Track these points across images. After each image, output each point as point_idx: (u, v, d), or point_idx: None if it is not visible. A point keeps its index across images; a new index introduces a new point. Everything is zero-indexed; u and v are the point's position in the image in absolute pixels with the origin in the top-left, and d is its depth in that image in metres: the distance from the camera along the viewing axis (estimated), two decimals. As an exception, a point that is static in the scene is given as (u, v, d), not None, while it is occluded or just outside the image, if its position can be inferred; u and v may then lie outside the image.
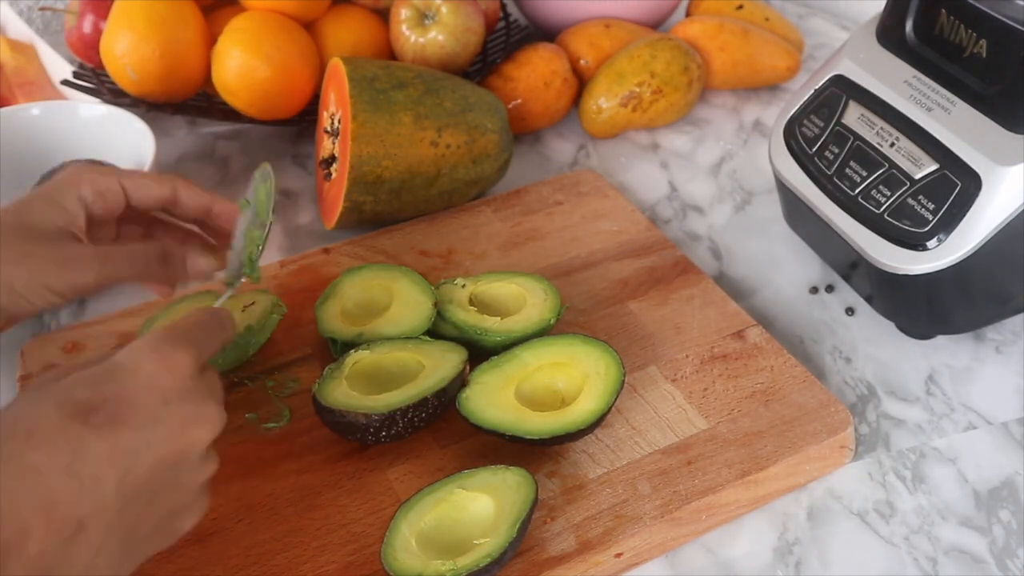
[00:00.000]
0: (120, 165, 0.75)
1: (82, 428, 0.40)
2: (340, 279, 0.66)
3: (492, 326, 0.62)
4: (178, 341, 0.45)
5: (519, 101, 0.86)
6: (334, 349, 0.62)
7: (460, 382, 0.58)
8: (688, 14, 1.01)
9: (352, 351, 0.59)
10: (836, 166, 0.65)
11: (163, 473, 0.42)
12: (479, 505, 0.53)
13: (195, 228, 0.63)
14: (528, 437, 0.55)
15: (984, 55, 0.59)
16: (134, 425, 0.41)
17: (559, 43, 0.93)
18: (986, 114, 0.59)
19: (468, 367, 0.59)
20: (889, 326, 0.69)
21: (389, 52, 0.85)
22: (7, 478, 0.38)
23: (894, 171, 0.62)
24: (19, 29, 0.95)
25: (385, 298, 0.64)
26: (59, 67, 0.89)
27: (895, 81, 0.64)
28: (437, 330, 0.62)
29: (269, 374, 0.63)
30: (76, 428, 0.40)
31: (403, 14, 0.82)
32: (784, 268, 0.74)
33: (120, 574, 0.41)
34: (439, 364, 0.59)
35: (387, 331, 0.61)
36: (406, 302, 0.63)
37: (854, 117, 0.65)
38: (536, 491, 0.53)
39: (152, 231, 0.62)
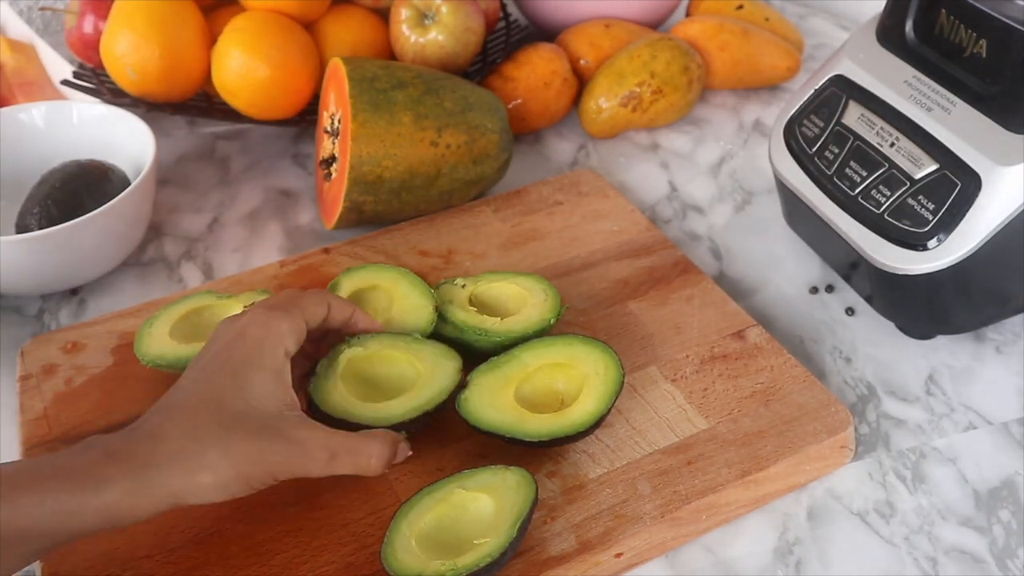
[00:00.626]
0: (120, 165, 0.75)
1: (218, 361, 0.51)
2: (339, 279, 0.66)
3: (492, 326, 0.62)
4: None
5: (519, 101, 0.86)
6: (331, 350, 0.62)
7: (457, 391, 0.58)
8: (688, 14, 1.01)
9: (344, 346, 0.59)
10: (836, 166, 0.65)
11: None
12: (479, 505, 0.53)
13: None
14: (527, 439, 0.55)
15: (984, 55, 0.59)
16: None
17: (559, 43, 0.93)
18: (986, 114, 0.59)
19: (463, 374, 0.58)
20: (889, 326, 0.69)
21: (389, 52, 0.85)
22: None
23: (894, 171, 0.62)
24: (19, 29, 0.95)
25: (384, 301, 0.64)
26: (59, 67, 0.89)
27: (895, 81, 0.64)
28: (438, 330, 0.62)
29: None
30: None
31: (403, 14, 0.82)
32: (784, 268, 0.74)
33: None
34: (434, 372, 0.58)
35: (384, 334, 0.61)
36: (406, 306, 0.63)
37: (854, 117, 0.65)
38: (536, 491, 0.53)
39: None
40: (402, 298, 0.63)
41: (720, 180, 0.84)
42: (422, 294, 0.63)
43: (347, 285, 0.65)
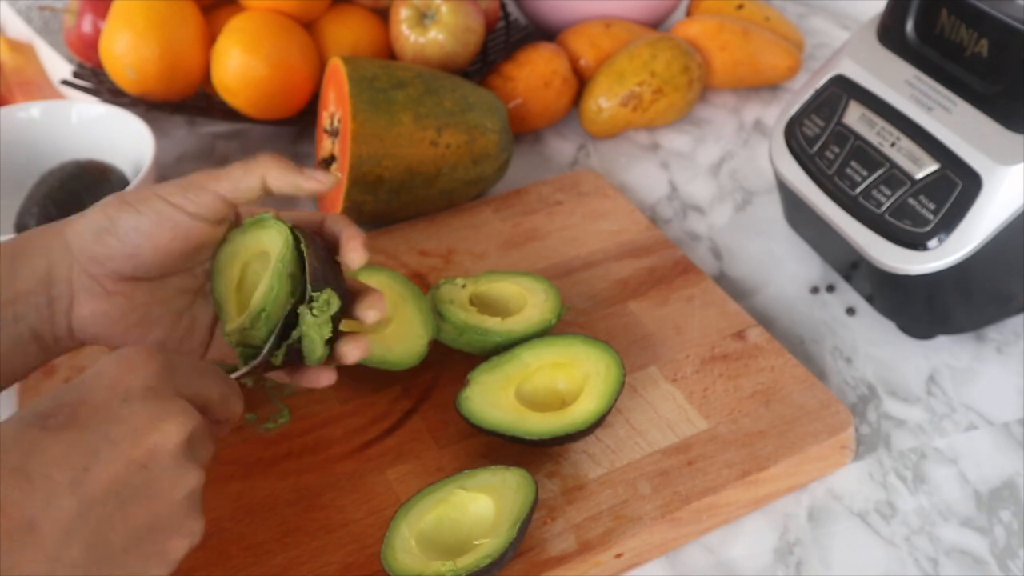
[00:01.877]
0: (119, 165, 0.75)
1: (37, 432, 0.38)
2: (356, 275, 0.65)
3: (492, 326, 0.62)
4: (147, 350, 0.43)
5: (519, 101, 0.86)
6: None
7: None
8: (688, 14, 1.01)
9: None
10: (837, 166, 0.65)
11: (130, 475, 0.39)
12: (479, 505, 0.53)
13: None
14: (528, 438, 0.55)
15: (985, 55, 0.59)
16: (91, 424, 0.39)
17: (559, 43, 0.93)
18: (987, 114, 0.59)
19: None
20: (890, 326, 0.69)
21: (389, 52, 0.85)
22: None
23: (895, 171, 0.62)
24: (18, 29, 0.95)
25: (389, 312, 0.63)
26: (58, 67, 0.89)
27: (896, 81, 0.64)
28: (438, 332, 0.62)
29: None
30: (31, 432, 0.38)
31: (403, 14, 0.82)
32: (784, 268, 0.74)
33: None
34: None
35: (376, 351, 0.60)
36: (403, 331, 0.61)
37: (855, 117, 0.65)
38: (536, 492, 0.52)
39: None
40: (402, 320, 0.62)
41: (720, 180, 0.84)
42: (423, 323, 0.61)
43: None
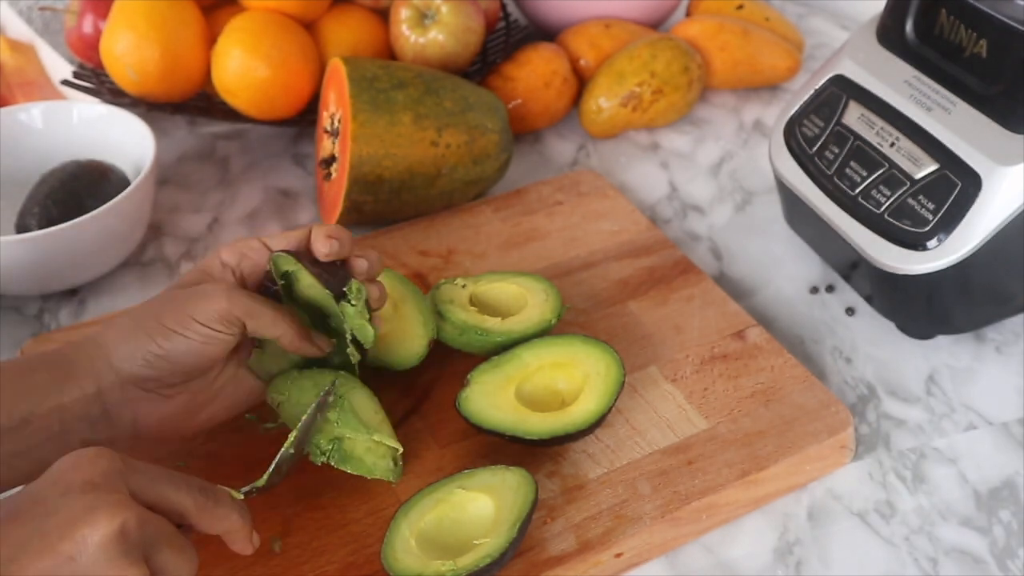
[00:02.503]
0: (120, 165, 0.75)
1: None
2: None
3: (493, 326, 0.62)
4: (99, 451, 0.43)
5: (519, 101, 0.86)
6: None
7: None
8: (688, 14, 1.01)
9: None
10: (836, 166, 0.65)
11: (57, 567, 0.39)
12: (479, 505, 0.53)
13: None
14: (528, 437, 0.55)
15: (984, 55, 0.59)
16: (28, 517, 0.39)
17: (559, 43, 0.93)
18: (986, 114, 0.59)
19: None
20: (889, 326, 0.69)
21: (389, 52, 0.85)
22: None
23: (894, 171, 0.62)
24: (19, 29, 0.95)
25: (388, 313, 0.63)
26: (59, 67, 0.89)
27: (895, 81, 0.64)
28: (438, 332, 0.62)
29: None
30: None
31: (403, 14, 0.82)
32: (784, 268, 0.74)
33: None
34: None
35: (376, 352, 0.60)
36: (405, 330, 0.61)
37: (854, 117, 0.65)
38: (536, 491, 0.53)
39: None
40: (403, 319, 0.62)
41: (720, 180, 0.84)
42: (423, 323, 0.61)
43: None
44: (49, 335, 0.66)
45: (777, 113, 0.75)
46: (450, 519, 0.52)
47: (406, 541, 0.51)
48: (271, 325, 0.53)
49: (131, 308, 0.54)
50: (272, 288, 0.56)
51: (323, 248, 0.54)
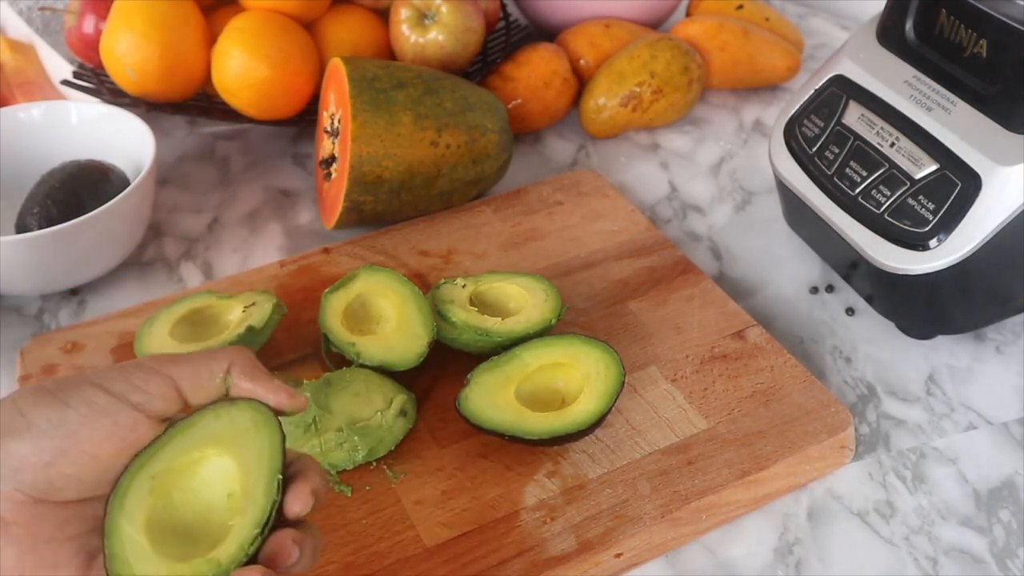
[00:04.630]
0: (120, 165, 0.75)
1: None
2: (358, 273, 0.65)
3: (493, 326, 0.62)
4: None
5: (519, 101, 0.86)
6: (325, 345, 0.62)
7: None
8: (688, 14, 1.01)
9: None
10: (836, 166, 0.65)
11: None
12: (212, 466, 0.40)
13: None
14: (528, 437, 0.55)
15: (984, 55, 0.59)
16: None
17: (559, 43, 0.93)
18: (986, 114, 0.59)
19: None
20: (889, 326, 0.69)
21: (389, 52, 0.85)
22: None
23: (894, 171, 0.62)
24: (19, 29, 0.95)
25: (388, 313, 0.64)
26: (59, 67, 0.89)
27: (895, 81, 0.64)
28: (438, 332, 0.62)
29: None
30: None
31: (403, 14, 0.82)
32: (784, 268, 0.74)
33: None
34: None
35: (376, 352, 0.60)
36: (404, 330, 0.62)
37: (854, 117, 0.65)
38: (280, 430, 0.40)
39: None
40: (403, 320, 0.62)
41: (720, 180, 0.84)
42: (423, 323, 0.62)
43: (362, 282, 0.65)
44: (49, 335, 0.66)
45: (777, 113, 0.75)
46: (182, 495, 0.40)
47: (135, 544, 0.38)
48: (208, 366, 0.41)
49: None
50: None
51: (297, 508, 0.40)
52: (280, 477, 0.39)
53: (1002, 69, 0.58)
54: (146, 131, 0.75)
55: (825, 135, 0.67)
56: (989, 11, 0.58)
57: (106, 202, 0.68)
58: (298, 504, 0.39)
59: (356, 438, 0.56)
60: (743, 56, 0.91)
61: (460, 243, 0.74)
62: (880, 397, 0.64)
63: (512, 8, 1.04)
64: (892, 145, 0.63)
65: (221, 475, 0.40)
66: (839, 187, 0.65)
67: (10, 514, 0.37)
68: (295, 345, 0.65)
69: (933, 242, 0.59)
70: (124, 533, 0.38)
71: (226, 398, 0.41)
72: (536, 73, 0.87)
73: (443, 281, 0.66)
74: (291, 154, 0.88)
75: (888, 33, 0.66)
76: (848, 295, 0.71)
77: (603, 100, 0.87)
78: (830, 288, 0.72)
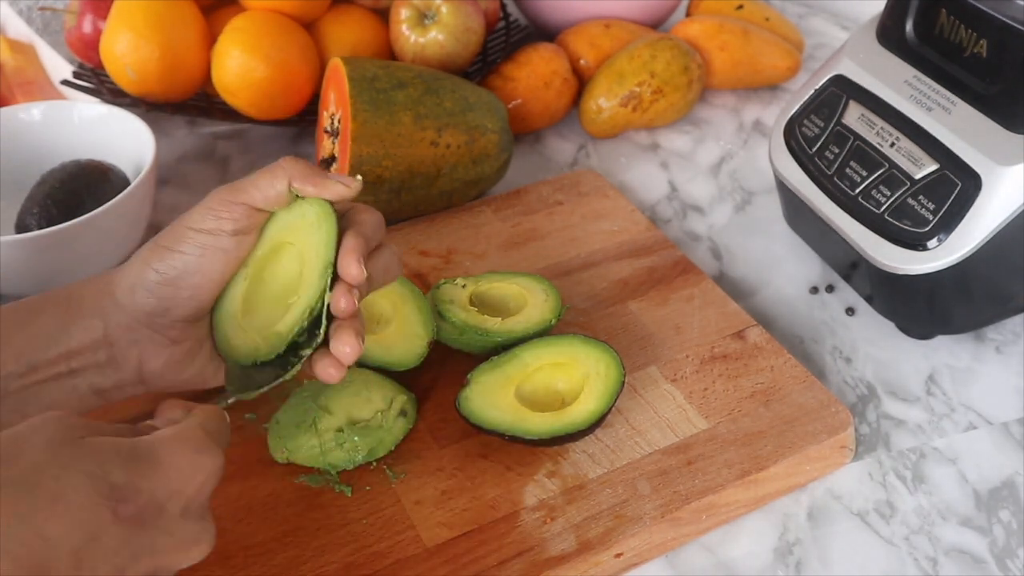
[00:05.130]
0: (120, 165, 0.75)
1: (109, 516, 0.38)
2: None
3: (493, 326, 0.62)
4: (210, 449, 0.43)
5: (519, 101, 0.86)
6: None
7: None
8: (688, 14, 1.01)
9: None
10: (836, 166, 0.65)
11: None
12: (289, 254, 0.51)
13: None
14: (528, 437, 0.55)
15: (984, 55, 0.59)
16: (151, 528, 0.39)
17: (559, 43, 0.93)
18: (986, 114, 0.59)
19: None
20: (889, 326, 0.69)
21: (389, 52, 0.85)
22: (13, 540, 0.35)
23: (894, 171, 0.62)
24: (19, 29, 0.95)
25: (388, 313, 0.63)
26: (59, 67, 0.89)
27: (895, 81, 0.64)
28: (438, 332, 0.62)
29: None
30: (103, 515, 0.38)
31: (403, 14, 0.82)
32: (784, 268, 0.74)
33: None
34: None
35: (376, 352, 0.60)
36: (404, 331, 0.62)
37: (854, 117, 0.65)
38: (336, 220, 0.49)
39: None
40: (403, 320, 0.62)
41: (720, 180, 0.84)
42: (423, 323, 0.62)
43: None
44: (49, 335, 0.66)
45: (777, 113, 0.75)
46: (269, 277, 0.51)
47: (232, 319, 0.50)
48: (271, 180, 0.50)
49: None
50: None
51: (355, 274, 0.49)
52: (332, 269, 0.48)
53: (1002, 69, 0.58)
54: (146, 131, 0.75)
55: (825, 135, 0.67)
56: (989, 11, 0.58)
57: (106, 202, 0.68)
58: (343, 301, 0.48)
59: (356, 438, 0.56)
60: (743, 56, 0.91)
61: (460, 243, 0.74)
62: (880, 397, 0.64)
63: (512, 8, 1.04)
64: (892, 145, 0.63)
65: (295, 260, 0.50)
66: (839, 187, 0.65)
67: (177, 334, 0.50)
68: (295, 345, 0.65)
69: (933, 242, 0.59)
70: (225, 312, 0.50)
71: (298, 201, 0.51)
72: (536, 73, 0.87)
73: (443, 281, 0.66)
74: (291, 154, 0.88)
75: (888, 33, 0.66)
76: (848, 295, 0.71)
77: (603, 100, 0.87)
78: (830, 288, 0.72)
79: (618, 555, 0.53)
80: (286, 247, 0.51)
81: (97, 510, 0.37)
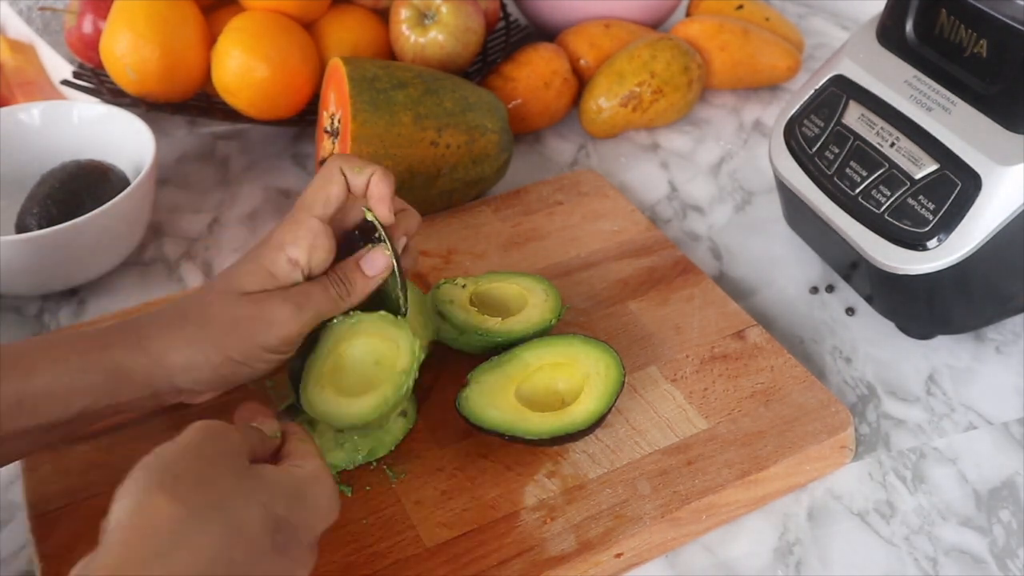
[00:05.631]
0: (120, 165, 0.75)
1: (269, 544, 0.41)
2: None
3: (493, 326, 0.62)
4: (338, 494, 0.47)
5: (519, 101, 0.86)
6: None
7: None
8: (688, 14, 1.01)
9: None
10: (836, 166, 0.65)
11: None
12: (362, 345, 0.58)
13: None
14: (528, 437, 0.55)
15: (984, 55, 0.59)
16: (286, 557, 0.42)
17: (559, 43, 0.93)
18: (986, 114, 0.59)
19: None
20: (889, 326, 0.69)
21: (389, 52, 0.85)
22: (216, 564, 0.38)
23: (894, 171, 0.62)
24: (19, 29, 0.95)
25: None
26: (59, 67, 0.89)
27: (895, 81, 0.64)
28: (438, 332, 0.62)
29: (269, 375, 0.63)
30: (266, 543, 0.41)
31: (403, 14, 0.82)
32: (784, 268, 0.74)
33: None
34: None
35: None
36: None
37: (854, 117, 0.65)
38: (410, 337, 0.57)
39: None
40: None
41: (720, 180, 0.84)
42: (423, 323, 0.61)
43: None
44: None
45: (777, 113, 0.75)
46: (347, 361, 0.57)
47: (320, 392, 0.56)
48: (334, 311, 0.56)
49: (184, 310, 0.54)
50: (356, 242, 0.58)
51: (386, 217, 0.56)
52: (419, 357, 0.57)
53: (1002, 69, 0.58)
54: (146, 131, 0.75)
55: (825, 135, 0.67)
56: (989, 11, 0.58)
57: (106, 202, 0.68)
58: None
59: (356, 438, 0.56)
60: (743, 56, 0.91)
61: (460, 243, 0.74)
62: (880, 397, 0.64)
63: (512, 8, 1.04)
64: (892, 145, 0.63)
65: (370, 350, 0.57)
66: (839, 187, 0.65)
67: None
68: (295, 345, 0.65)
69: (933, 242, 0.59)
70: (311, 388, 0.56)
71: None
72: (536, 73, 0.87)
73: (443, 281, 0.65)
74: (291, 154, 0.88)
75: (888, 33, 0.66)
76: (848, 295, 0.71)
77: (603, 100, 0.87)
78: (830, 288, 0.72)
79: (618, 555, 0.53)
80: (357, 344, 0.58)
81: (263, 539, 0.41)
